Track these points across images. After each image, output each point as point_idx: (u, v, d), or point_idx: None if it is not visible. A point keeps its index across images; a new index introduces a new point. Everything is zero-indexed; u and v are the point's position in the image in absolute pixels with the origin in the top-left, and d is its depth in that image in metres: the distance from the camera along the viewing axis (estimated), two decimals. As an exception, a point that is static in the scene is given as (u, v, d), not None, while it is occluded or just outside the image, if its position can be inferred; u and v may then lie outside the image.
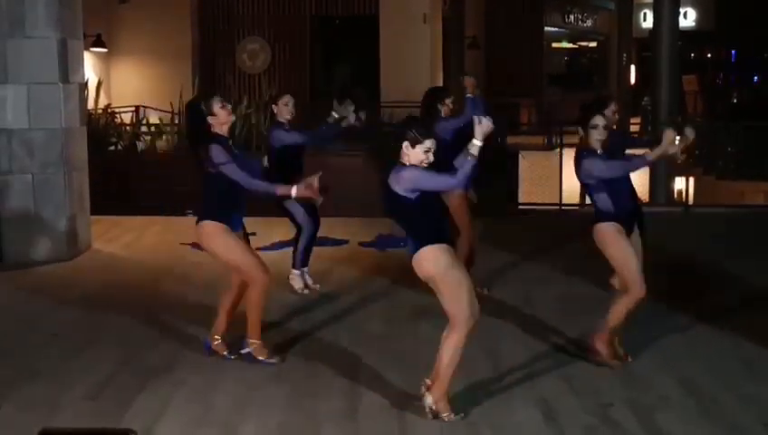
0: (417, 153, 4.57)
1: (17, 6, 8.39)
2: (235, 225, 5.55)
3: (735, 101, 29.04)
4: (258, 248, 8.83)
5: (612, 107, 6.23)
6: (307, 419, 4.79)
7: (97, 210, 9.62)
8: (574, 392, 5.08)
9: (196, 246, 9.13)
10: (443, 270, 4.59)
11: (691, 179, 15.74)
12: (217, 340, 5.65)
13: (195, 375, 5.42)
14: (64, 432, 3.75)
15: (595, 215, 5.51)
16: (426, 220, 4.63)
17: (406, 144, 4.59)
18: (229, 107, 5.61)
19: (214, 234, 5.44)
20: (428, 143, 4.58)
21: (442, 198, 5.00)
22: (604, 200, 5.44)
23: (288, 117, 7.17)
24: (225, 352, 5.61)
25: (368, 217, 9.58)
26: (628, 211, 5.51)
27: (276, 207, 7.16)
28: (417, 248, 4.63)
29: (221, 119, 5.52)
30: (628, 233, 5.50)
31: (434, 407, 4.70)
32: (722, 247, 8.99)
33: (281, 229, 8.65)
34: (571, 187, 15.81)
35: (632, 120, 20.82)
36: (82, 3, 9.08)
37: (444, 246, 4.62)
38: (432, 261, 4.59)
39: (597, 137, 5.40)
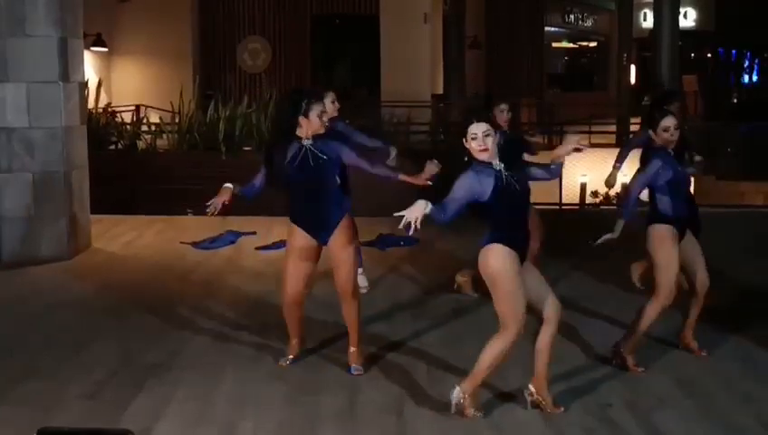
0: (470, 145, 4.55)
1: (18, 5, 8.39)
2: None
3: (735, 101, 29.06)
4: (259, 248, 8.88)
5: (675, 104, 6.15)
6: (306, 417, 4.79)
7: (97, 209, 9.63)
8: (573, 393, 5.08)
9: (196, 244, 9.21)
10: (504, 270, 4.55)
11: (692, 180, 15.74)
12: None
13: (194, 374, 5.43)
14: (62, 432, 3.74)
15: (651, 216, 5.44)
16: (501, 218, 4.58)
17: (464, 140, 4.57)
18: (326, 118, 5.27)
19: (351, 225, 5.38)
20: (473, 128, 4.53)
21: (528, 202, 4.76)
22: (665, 203, 5.38)
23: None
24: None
25: (369, 216, 9.58)
26: (684, 216, 5.46)
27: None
28: (487, 242, 4.59)
29: (312, 126, 5.18)
30: (681, 238, 5.45)
31: (461, 401, 4.69)
32: (722, 248, 8.98)
33: (281, 229, 8.64)
34: (570, 186, 15.87)
35: (633, 120, 20.81)
36: (83, 2, 9.09)
37: (512, 251, 4.57)
38: (497, 258, 4.56)
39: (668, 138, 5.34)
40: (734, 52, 31.17)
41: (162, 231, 10.05)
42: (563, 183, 13.42)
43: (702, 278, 5.60)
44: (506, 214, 4.57)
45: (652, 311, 5.39)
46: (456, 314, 6.75)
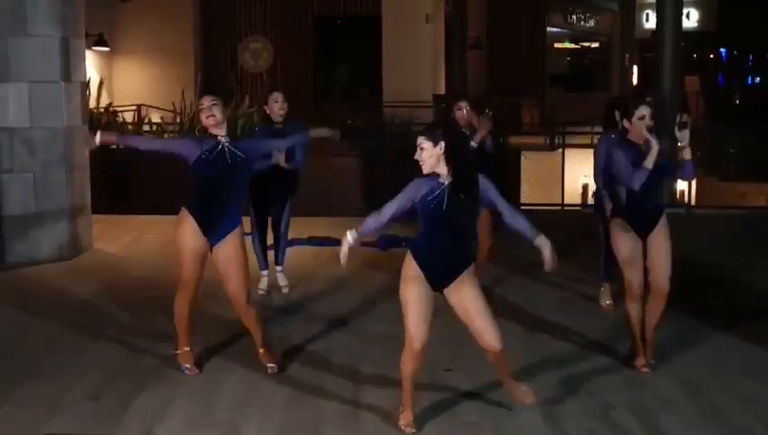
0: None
1: (19, 5, 8.39)
2: None
3: (738, 102, 29.03)
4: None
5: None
6: (308, 419, 4.78)
7: (98, 210, 9.62)
8: (575, 394, 5.07)
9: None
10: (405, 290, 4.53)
11: (693, 181, 15.73)
12: None
13: (195, 376, 5.41)
14: None
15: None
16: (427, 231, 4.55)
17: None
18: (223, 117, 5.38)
19: None
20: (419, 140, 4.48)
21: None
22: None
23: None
24: None
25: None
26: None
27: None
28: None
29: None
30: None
31: None
32: (723, 249, 8.98)
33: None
34: (572, 187, 15.85)
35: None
36: (85, 2, 9.08)
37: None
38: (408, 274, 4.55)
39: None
40: (736, 53, 31.15)
41: (163, 231, 10.02)
42: (565, 184, 13.42)
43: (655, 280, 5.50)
44: (431, 227, 4.50)
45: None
46: (456, 314, 6.73)
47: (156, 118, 14.37)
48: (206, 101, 5.28)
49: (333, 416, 4.82)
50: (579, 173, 16.80)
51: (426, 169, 4.45)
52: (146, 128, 13.87)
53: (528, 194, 13.60)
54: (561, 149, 14.24)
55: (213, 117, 5.26)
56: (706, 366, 5.57)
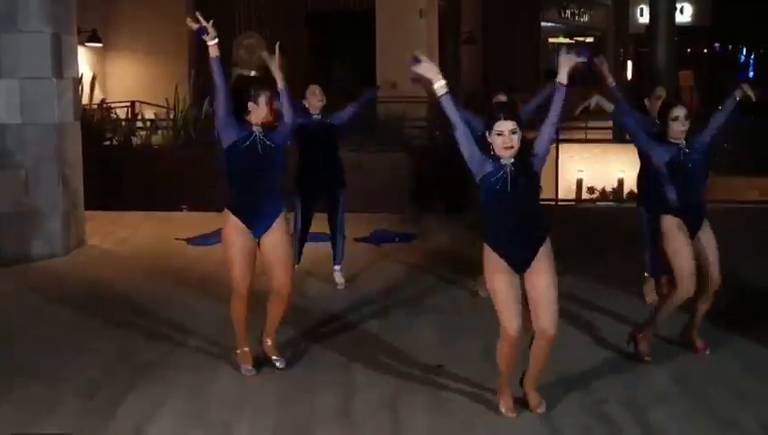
0: (493, 140, 4.47)
1: (10, 1, 8.35)
2: None
3: (732, 96, 29.02)
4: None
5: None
6: (302, 417, 4.76)
7: (92, 206, 9.59)
8: (569, 390, 5.06)
9: (190, 241, 9.17)
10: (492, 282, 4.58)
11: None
12: None
13: (189, 373, 5.39)
14: None
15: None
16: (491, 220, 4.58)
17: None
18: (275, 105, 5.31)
19: None
20: (500, 125, 4.44)
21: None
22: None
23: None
24: None
25: (362, 212, 9.56)
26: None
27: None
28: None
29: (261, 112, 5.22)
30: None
31: None
32: (720, 244, 8.96)
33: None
34: (566, 182, 15.84)
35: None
36: (77, -2, 9.05)
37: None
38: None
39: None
40: (730, 47, 31.17)
41: (157, 228, 10.01)
42: (560, 179, 13.41)
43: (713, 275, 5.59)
44: (498, 213, 4.53)
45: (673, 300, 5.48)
46: (451, 311, 6.73)
47: (150, 114, 14.33)
48: (267, 96, 5.21)
49: (327, 414, 4.80)
50: (573, 168, 16.81)
51: (512, 154, 4.44)
52: (139, 124, 13.84)
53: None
54: (555, 144, 14.21)
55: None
56: (702, 362, 5.56)
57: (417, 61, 4.45)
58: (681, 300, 5.45)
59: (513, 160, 4.46)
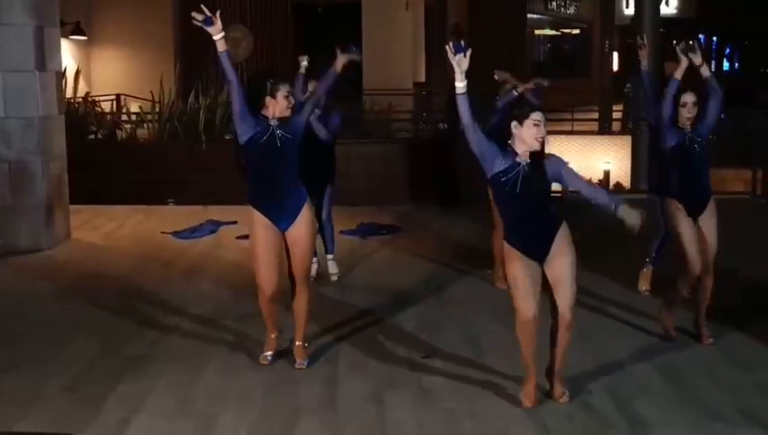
0: (528, 131, 4.47)
1: (-8, -6, 8.30)
2: None
3: (717, 87, 29.14)
4: (239, 237, 8.82)
5: None
6: (287, 409, 4.76)
7: (77, 200, 9.55)
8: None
9: (176, 234, 9.15)
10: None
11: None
12: None
13: (174, 365, 5.39)
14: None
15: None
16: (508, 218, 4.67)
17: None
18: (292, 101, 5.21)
19: None
20: (536, 115, 4.48)
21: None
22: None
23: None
24: None
25: (349, 205, 9.56)
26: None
27: None
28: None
29: (279, 106, 5.12)
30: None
31: None
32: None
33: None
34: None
35: (615, 108, 20.85)
36: (60, -10, 8.99)
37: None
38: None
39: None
40: (715, 39, 31.27)
41: (142, 221, 9.99)
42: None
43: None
44: (511, 210, 4.58)
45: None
46: (437, 302, 6.74)
47: (135, 107, 14.27)
48: (286, 90, 5.12)
49: (311, 405, 4.81)
50: (560, 160, 16.83)
51: (539, 146, 4.47)
52: (124, 118, 13.78)
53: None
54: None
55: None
56: (685, 352, 5.59)
57: (459, 48, 4.43)
58: (690, 281, 5.58)
59: (527, 161, 4.47)
